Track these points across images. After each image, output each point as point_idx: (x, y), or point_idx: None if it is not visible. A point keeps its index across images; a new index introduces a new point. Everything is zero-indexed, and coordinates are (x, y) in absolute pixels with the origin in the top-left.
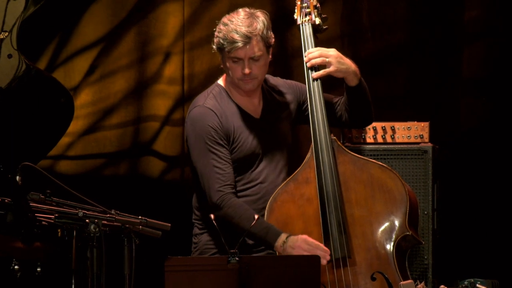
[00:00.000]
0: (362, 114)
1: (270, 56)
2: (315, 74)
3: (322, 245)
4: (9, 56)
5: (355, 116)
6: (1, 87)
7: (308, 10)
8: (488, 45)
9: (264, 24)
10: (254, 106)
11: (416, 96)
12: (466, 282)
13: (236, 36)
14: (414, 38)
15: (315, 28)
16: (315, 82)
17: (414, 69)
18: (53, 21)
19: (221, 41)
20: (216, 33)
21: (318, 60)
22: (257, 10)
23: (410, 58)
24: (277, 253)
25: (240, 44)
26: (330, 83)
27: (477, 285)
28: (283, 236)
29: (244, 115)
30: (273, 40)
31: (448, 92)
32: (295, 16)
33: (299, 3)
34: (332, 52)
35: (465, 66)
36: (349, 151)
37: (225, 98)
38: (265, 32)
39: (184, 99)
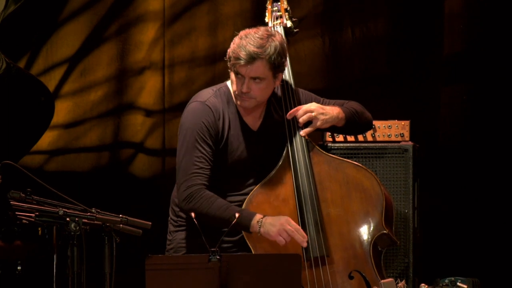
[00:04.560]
0: (361, 131)
1: (278, 82)
2: (303, 132)
3: (302, 230)
4: None
5: (354, 134)
6: None
7: (279, 13)
8: (469, 34)
9: (276, 49)
10: (254, 118)
11: (396, 93)
12: (446, 281)
13: (242, 54)
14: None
15: (287, 31)
16: (291, 87)
17: (393, 62)
18: (34, 20)
19: (230, 53)
20: (231, 43)
21: (305, 117)
22: (278, 33)
23: (389, 50)
24: (252, 233)
25: (242, 62)
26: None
27: (458, 283)
28: (257, 216)
29: (242, 123)
30: (285, 67)
31: (428, 88)
32: (266, 20)
33: (269, 7)
34: (314, 106)
35: (445, 61)
36: (324, 152)
37: (228, 101)
38: (274, 57)
39: (165, 91)
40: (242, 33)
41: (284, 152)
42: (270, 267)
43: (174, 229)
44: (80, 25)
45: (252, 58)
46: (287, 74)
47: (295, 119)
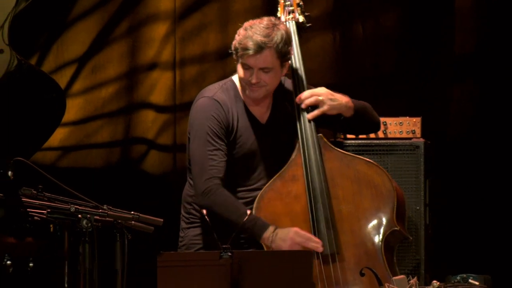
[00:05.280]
0: (368, 130)
1: (286, 70)
2: (309, 115)
3: (313, 237)
4: (1, 51)
5: (361, 133)
6: None
7: (291, 8)
8: (480, 32)
9: (282, 38)
10: (262, 110)
11: (406, 89)
12: (458, 278)
13: (250, 44)
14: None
15: (299, 26)
16: (302, 81)
17: (404, 58)
18: (44, 17)
19: (236, 44)
20: (236, 35)
21: (312, 100)
22: (281, 23)
23: (400, 46)
24: (263, 245)
25: (251, 52)
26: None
27: (469, 280)
28: (271, 229)
29: (250, 116)
30: (291, 55)
31: (439, 85)
32: (278, 15)
33: (282, 1)
34: (323, 90)
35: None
36: (336, 148)
37: (235, 96)
38: (281, 46)
39: (176, 88)
40: (246, 24)
41: (295, 148)
42: (282, 264)
43: (186, 226)
44: (91, 22)
45: (260, 48)
46: (299, 69)
47: (304, 111)
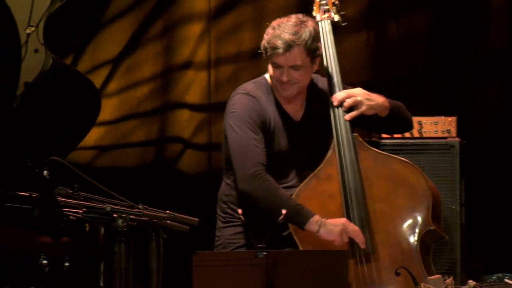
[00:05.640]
0: (401, 130)
1: (316, 67)
2: (347, 116)
3: (361, 232)
4: (36, 50)
5: (394, 132)
6: (28, 82)
7: (327, 7)
8: None
9: (310, 35)
10: (296, 108)
11: (441, 88)
12: (494, 277)
13: (279, 43)
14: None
15: (334, 25)
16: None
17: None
18: (79, 17)
19: (265, 44)
20: (264, 35)
21: (350, 101)
22: (310, 19)
23: (435, 45)
24: (297, 240)
25: (280, 51)
26: None
27: (505, 280)
28: (317, 216)
29: (284, 114)
30: (320, 51)
31: (474, 83)
32: (314, 14)
33: (317, 0)
34: (359, 91)
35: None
36: (371, 147)
37: (268, 93)
38: (310, 43)
39: (210, 87)
40: (274, 23)
41: (331, 147)
42: (317, 263)
43: (223, 225)
44: (126, 23)
45: (289, 46)
46: (335, 68)
47: (340, 110)
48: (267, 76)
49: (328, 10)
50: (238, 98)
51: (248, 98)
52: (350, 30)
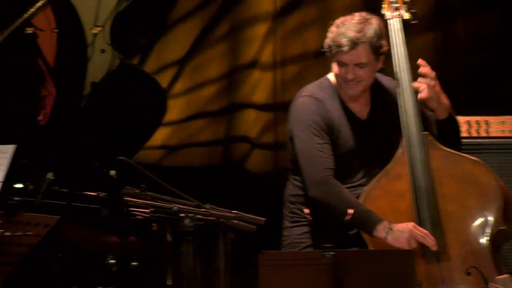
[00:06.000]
0: (449, 144)
1: (381, 64)
2: (415, 83)
3: (430, 234)
4: (102, 51)
5: (445, 141)
6: (95, 82)
7: (397, 5)
8: None
9: (375, 32)
10: (361, 107)
11: (508, 88)
12: None
13: (343, 40)
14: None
15: (405, 23)
16: (407, 80)
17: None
18: (145, 18)
19: (330, 42)
20: (328, 33)
21: (427, 72)
22: (373, 17)
23: (501, 45)
24: (368, 242)
25: (345, 49)
26: None
27: None
28: (385, 222)
29: (349, 114)
30: (386, 48)
31: None
32: (383, 11)
33: None
34: (435, 81)
35: None
36: (441, 146)
37: (332, 94)
38: (374, 40)
39: (276, 87)
40: (337, 21)
41: (400, 145)
42: (384, 263)
43: (290, 225)
44: (192, 24)
45: (354, 44)
46: (405, 66)
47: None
48: (330, 76)
49: (398, 8)
50: (302, 101)
51: (311, 101)
52: (417, 30)
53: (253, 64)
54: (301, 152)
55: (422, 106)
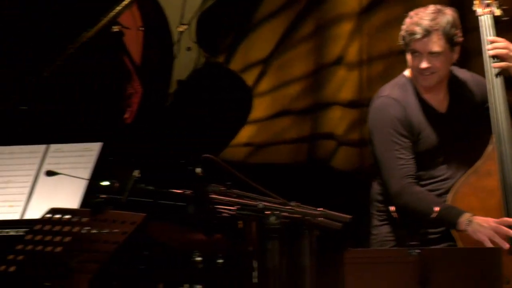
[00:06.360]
0: None
1: (456, 56)
2: (496, 64)
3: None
4: (188, 49)
5: None
6: (181, 80)
7: (488, 1)
8: None
9: (448, 21)
10: (440, 100)
11: None
12: None
13: (417, 28)
14: None
15: (496, 20)
16: (497, 75)
17: None
18: (230, 17)
19: (404, 33)
20: (402, 26)
21: (503, 51)
22: (447, 8)
23: None
24: (454, 236)
25: (418, 36)
26: None
27: None
28: (467, 214)
29: (429, 109)
30: (460, 39)
31: None
32: (474, 8)
33: None
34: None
35: None
36: None
37: (410, 90)
38: (448, 29)
39: (362, 85)
40: (411, 13)
41: (490, 142)
42: (470, 260)
43: (379, 223)
44: (277, 22)
45: (427, 32)
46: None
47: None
48: (406, 73)
49: (489, 5)
50: (379, 104)
51: (389, 102)
52: (508, 27)
53: (339, 61)
54: (380, 160)
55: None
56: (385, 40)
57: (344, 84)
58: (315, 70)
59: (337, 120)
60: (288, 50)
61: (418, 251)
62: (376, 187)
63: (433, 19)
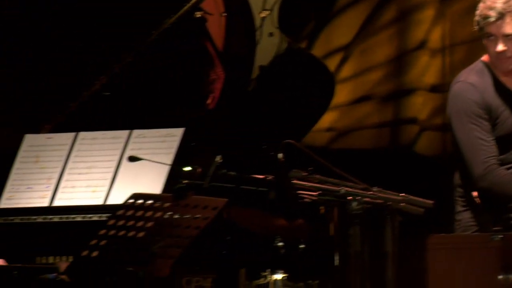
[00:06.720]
0: None
1: None
2: None
3: None
4: (270, 34)
5: None
6: (263, 65)
7: None
8: None
9: None
10: None
11: None
12: None
13: (490, 12)
14: None
15: None
16: None
17: None
18: (313, 3)
19: (478, 17)
20: (476, 11)
21: None
22: None
23: None
24: None
25: (492, 19)
26: None
27: None
28: None
29: (506, 92)
30: None
31: None
32: None
33: None
34: None
35: None
36: None
37: (487, 75)
38: None
39: (445, 70)
40: None
41: None
42: None
43: (462, 209)
44: (359, 8)
45: (501, 14)
46: None
47: None
48: (484, 57)
49: None
50: (457, 89)
51: (466, 87)
52: None
53: (421, 46)
54: (462, 144)
55: None
56: (467, 26)
57: (427, 69)
58: (398, 56)
59: (420, 105)
60: (370, 36)
61: (501, 236)
62: (458, 173)
63: (506, 2)
